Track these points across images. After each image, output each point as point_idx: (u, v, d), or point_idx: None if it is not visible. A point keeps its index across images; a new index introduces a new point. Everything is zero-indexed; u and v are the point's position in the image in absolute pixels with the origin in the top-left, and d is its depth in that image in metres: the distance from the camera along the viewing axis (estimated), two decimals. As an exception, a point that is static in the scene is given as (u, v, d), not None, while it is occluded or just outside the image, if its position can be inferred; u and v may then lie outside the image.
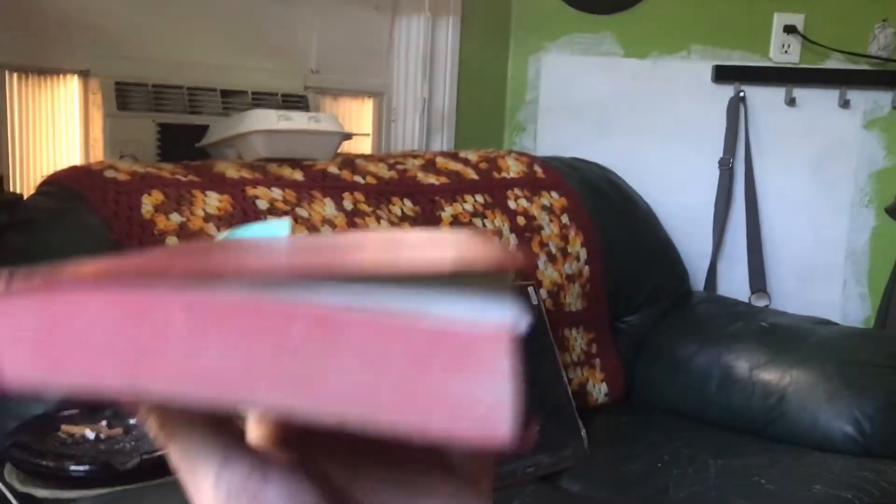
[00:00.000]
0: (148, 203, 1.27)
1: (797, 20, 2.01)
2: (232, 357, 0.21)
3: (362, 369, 0.20)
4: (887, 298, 1.92)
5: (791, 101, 2.04)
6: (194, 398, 0.21)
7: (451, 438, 0.20)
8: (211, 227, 1.29)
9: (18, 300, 0.22)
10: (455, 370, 0.20)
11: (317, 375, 0.20)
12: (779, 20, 2.02)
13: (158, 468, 1.03)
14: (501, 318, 0.20)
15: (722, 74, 2.07)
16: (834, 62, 2.02)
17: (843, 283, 2.04)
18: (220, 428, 0.25)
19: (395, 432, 0.20)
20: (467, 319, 0.20)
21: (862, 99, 2.00)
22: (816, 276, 2.05)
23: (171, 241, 1.25)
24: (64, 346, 0.22)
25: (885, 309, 1.92)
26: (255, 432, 0.26)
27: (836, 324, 1.79)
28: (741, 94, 2.06)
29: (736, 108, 2.06)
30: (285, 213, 1.38)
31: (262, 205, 1.36)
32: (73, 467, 1.02)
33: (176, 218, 1.27)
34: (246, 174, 1.40)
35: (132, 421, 1.14)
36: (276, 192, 1.39)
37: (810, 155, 2.05)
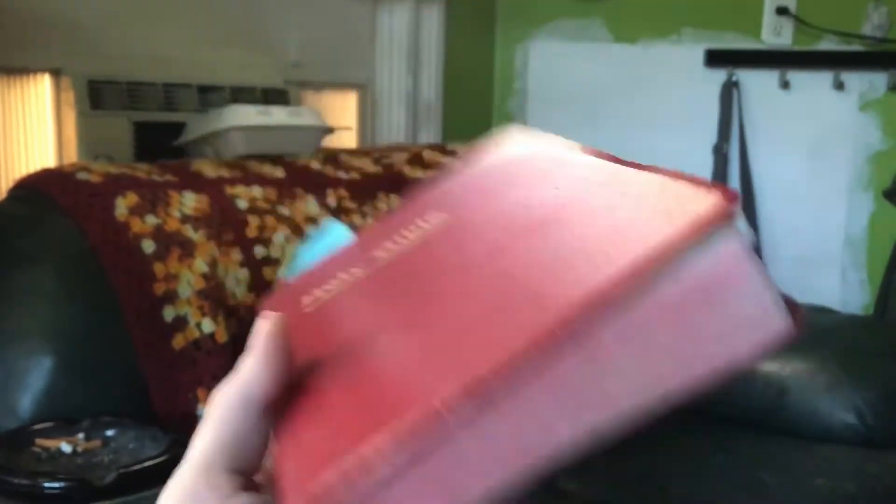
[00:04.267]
0: (122, 205, 1.22)
1: (789, 1, 1.97)
2: (520, 431, 0.22)
3: (638, 363, 0.21)
4: (887, 284, 1.89)
5: (785, 85, 2.00)
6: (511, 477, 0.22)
7: (739, 361, 0.21)
8: (188, 229, 1.24)
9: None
10: (713, 308, 0.21)
11: (602, 393, 0.21)
12: (770, 1, 1.98)
13: (137, 482, 0.99)
14: (728, 243, 0.21)
15: (714, 59, 2.03)
16: (827, 43, 1.98)
17: (842, 270, 2.01)
18: None
19: (696, 388, 0.21)
20: (701, 262, 0.21)
21: (857, 81, 1.96)
22: (814, 263, 2.01)
23: (147, 244, 1.21)
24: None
25: (884, 295, 1.89)
26: None
27: (835, 312, 1.76)
28: (734, 78, 2.02)
29: (729, 92, 2.02)
30: (266, 211, 1.34)
31: (242, 204, 1.32)
32: (47, 484, 0.98)
33: (151, 220, 1.23)
34: (224, 172, 1.36)
35: (109, 433, 1.10)
36: (257, 191, 1.35)
37: (805, 139, 2.01)
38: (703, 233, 0.21)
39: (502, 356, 0.21)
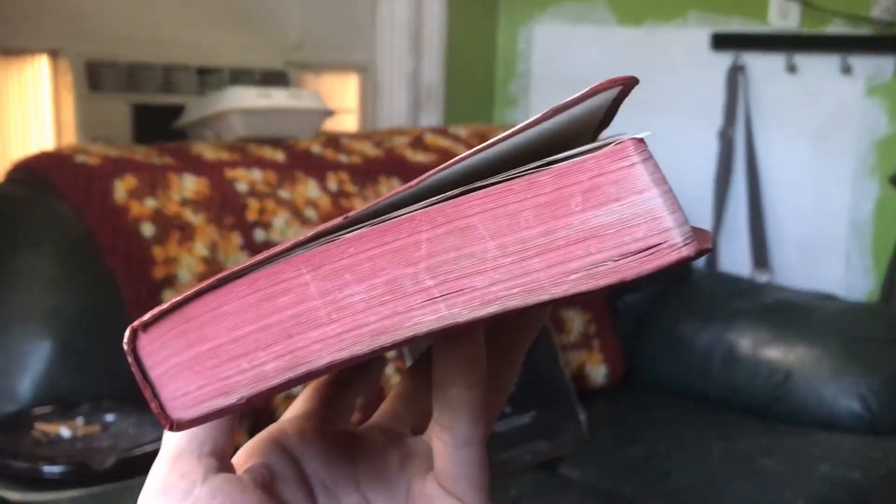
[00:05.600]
0: (121, 188, 1.21)
1: (797, -16, 1.94)
2: (376, 293, 0.20)
3: (502, 245, 0.20)
4: (892, 271, 1.87)
5: (791, 69, 1.98)
6: (359, 350, 0.20)
7: (625, 273, 0.19)
8: (188, 212, 1.23)
9: (159, 331, 0.22)
10: (594, 202, 0.19)
11: (463, 272, 0.20)
12: (778, -16, 1.95)
13: (136, 467, 0.99)
14: (619, 138, 0.19)
15: (720, 42, 2.01)
16: (835, 27, 1.95)
17: (847, 256, 1.99)
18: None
19: (566, 295, 0.19)
20: (584, 152, 0.19)
21: (864, 65, 1.94)
22: (819, 248, 2.00)
23: (146, 227, 1.19)
24: (218, 355, 0.22)
25: (889, 282, 1.87)
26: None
27: (839, 298, 1.75)
28: (740, 62, 2.00)
29: (734, 76, 2.00)
30: (266, 195, 1.32)
31: (242, 187, 1.31)
32: (46, 468, 0.98)
33: (151, 203, 1.21)
34: (224, 155, 1.34)
35: (109, 418, 1.09)
36: (257, 174, 1.34)
37: (812, 124, 1.99)
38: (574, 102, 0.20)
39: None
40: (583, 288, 0.19)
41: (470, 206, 0.20)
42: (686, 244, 0.19)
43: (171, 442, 0.25)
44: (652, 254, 0.19)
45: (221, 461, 0.25)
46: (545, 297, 0.19)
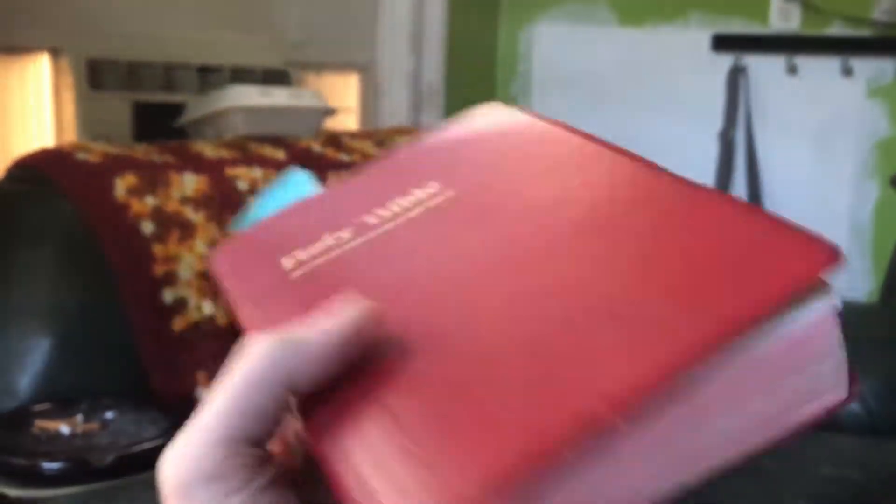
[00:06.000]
0: (121, 186, 1.21)
1: (798, -15, 1.95)
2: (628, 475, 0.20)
3: (730, 421, 0.21)
4: (892, 272, 1.87)
5: (792, 70, 1.99)
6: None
7: (805, 425, 0.21)
8: (188, 210, 1.23)
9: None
10: (799, 369, 0.21)
11: (691, 446, 0.21)
12: (779, -14, 1.96)
13: (135, 464, 0.99)
14: (823, 307, 0.20)
15: (721, 43, 2.01)
16: (836, 29, 1.96)
17: (847, 257, 2.00)
18: None
19: (763, 448, 0.21)
20: (797, 326, 0.20)
21: (865, 67, 1.94)
22: (819, 250, 2.00)
23: (147, 225, 1.19)
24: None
25: (889, 283, 1.87)
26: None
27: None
28: (741, 63, 2.00)
29: (735, 78, 2.00)
30: (267, 193, 1.32)
31: (243, 185, 1.31)
32: (45, 465, 0.98)
33: (151, 201, 1.21)
34: (225, 153, 1.34)
35: (108, 415, 1.09)
36: (257, 172, 1.34)
37: (812, 126, 1.99)
38: (808, 292, 0.21)
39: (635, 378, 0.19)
40: (777, 439, 0.21)
41: (708, 392, 0.20)
42: (848, 400, 0.21)
43: (221, 414, 0.22)
44: (824, 406, 0.21)
45: (265, 451, 0.23)
46: (749, 451, 0.21)
